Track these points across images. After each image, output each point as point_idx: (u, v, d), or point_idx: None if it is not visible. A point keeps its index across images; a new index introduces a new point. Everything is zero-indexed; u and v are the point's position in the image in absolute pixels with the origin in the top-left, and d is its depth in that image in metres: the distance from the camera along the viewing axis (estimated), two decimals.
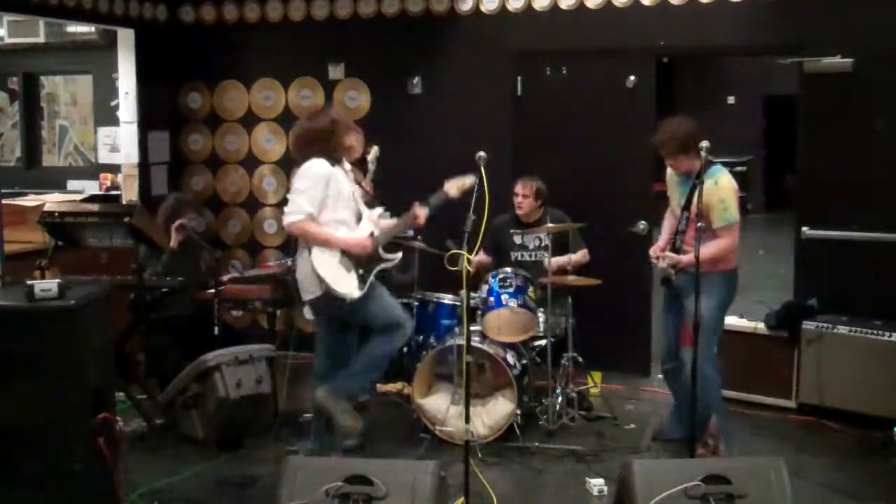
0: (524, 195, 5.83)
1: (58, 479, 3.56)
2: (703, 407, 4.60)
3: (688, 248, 4.66)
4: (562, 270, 5.62)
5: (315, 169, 4.51)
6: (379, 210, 4.79)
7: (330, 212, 4.52)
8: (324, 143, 4.58)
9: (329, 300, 4.52)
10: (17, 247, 6.27)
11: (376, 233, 4.69)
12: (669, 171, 5.04)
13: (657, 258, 4.94)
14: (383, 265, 4.67)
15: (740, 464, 3.74)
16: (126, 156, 7.12)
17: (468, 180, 4.61)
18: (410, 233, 6.01)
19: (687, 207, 4.73)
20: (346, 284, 4.49)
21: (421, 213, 4.76)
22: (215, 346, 5.18)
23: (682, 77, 14.09)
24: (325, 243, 4.50)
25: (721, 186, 4.70)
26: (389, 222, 4.83)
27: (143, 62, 7.00)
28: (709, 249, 4.61)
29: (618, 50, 6.36)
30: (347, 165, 4.82)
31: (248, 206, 7.35)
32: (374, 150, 5.56)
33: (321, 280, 4.45)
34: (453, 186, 4.79)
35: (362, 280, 4.54)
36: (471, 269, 4.15)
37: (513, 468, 4.90)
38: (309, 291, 4.58)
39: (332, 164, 4.56)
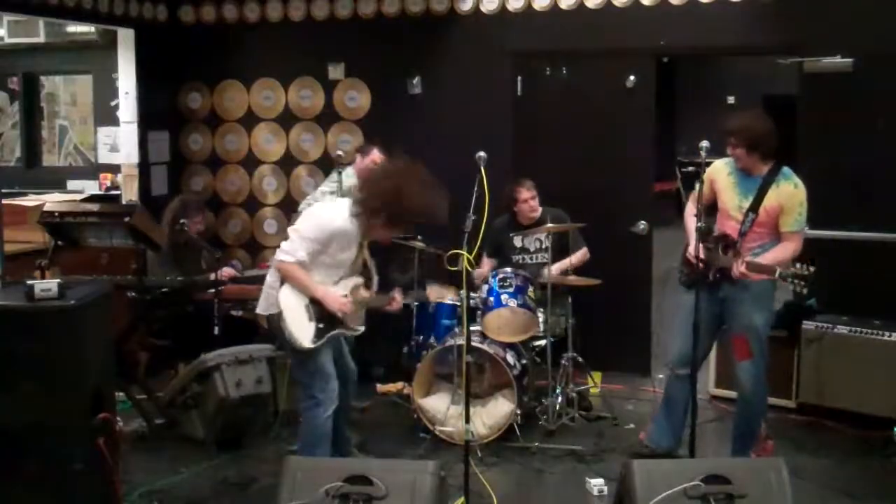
0: (532, 196, 5.80)
1: (58, 479, 3.56)
2: (758, 415, 4.80)
3: (748, 252, 4.50)
4: (563, 273, 5.62)
5: (334, 226, 4.29)
6: (359, 280, 4.55)
7: (327, 256, 4.34)
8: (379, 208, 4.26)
9: (277, 327, 4.34)
10: (17, 247, 6.26)
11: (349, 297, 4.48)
12: (720, 166, 4.78)
13: (699, 262, 4.56)
14: (344, 331, 4.49)
15: (740, 464, 3.75)
16: (126, 156, 7.12)
17: (448, 293, 4.84)
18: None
19: (754, 209, 4.54)
20: (302, 331, 4.29)
21: (399, 299, 4.63)
22: (215, 346, 5.18)
23: (682, 77, 14.07)
24: (303, 290, 4.31)
25: (801, 189, 4.56)
26: (365, 295, 4.57)
27: (143, 62, 7.00)
28: (781, 253, 4.49)
29: (618, 50, 6.36)
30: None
31: (248, 206, 7.35)
32: None
33: (280, 315, 4.28)
34: (434, 293, 4.88)
35: (319, 334, 4.34)
36: (471, 270, 4.14)
37: (513, 468, 4.91)
38: (264, 308, 4.41)
39: (355, 222, 4.33)
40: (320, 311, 4.35)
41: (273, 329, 4.42)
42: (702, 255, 4.57)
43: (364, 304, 4.55)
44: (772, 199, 4.52)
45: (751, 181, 4.63)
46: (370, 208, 4.27)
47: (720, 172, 4.78)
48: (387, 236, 4.52)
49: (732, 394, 5.65)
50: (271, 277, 4.41)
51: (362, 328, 4.56)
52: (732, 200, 4.67)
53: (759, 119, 4.65)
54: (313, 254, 4.29)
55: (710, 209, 4.77)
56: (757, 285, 4.57)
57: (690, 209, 4.83)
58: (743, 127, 4.59)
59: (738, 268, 4.38)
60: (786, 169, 4.60)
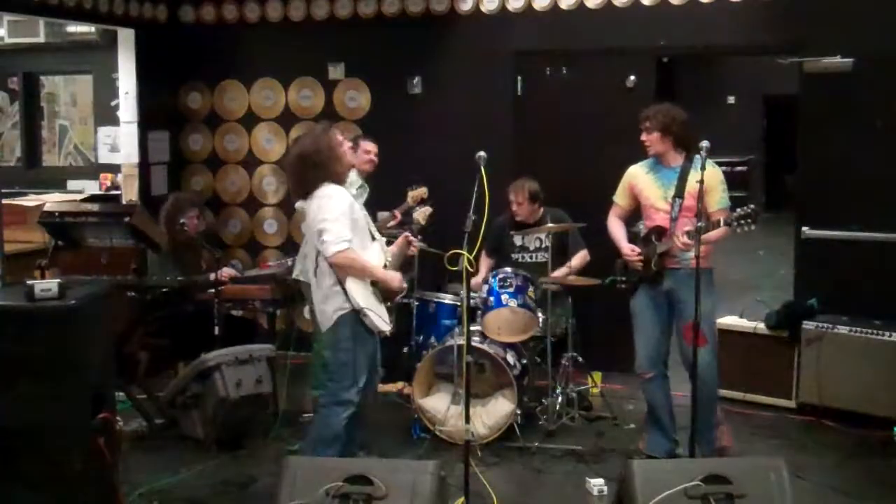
0: (518, 202, 5.79)
1: (58, 479, 3.56)
2: (714, 399, 4.82)
3: (684, 237, 4.55)
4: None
5: (342, 199, 4.26)
6: (384, 239, 4.57)
7: (357, 232, 4.30)
8: (328, 166, 4.30)
9: (353, 326, 4.27)
10: (17, 247, 6.27)
11: (388, 262, 4.49)
12: (635, 169, 4.95)
13: (639, 258, 4.81)
14: (398, 298, 4.54)
15: (740, 464, 3.74)
16: (126, 156, 7.12)
17: (428, 210, 5.08)
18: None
19: (680, 194, 4.68)
20: (384, 318, 4.33)
21: (413, 239, 4.63)
22: (215, 346, 5.18)
23: (682, 77, 14.08)
24: (367, 275, 4.27)
25: (718, 170, 4.74)
26: (394, 250, 4.57)
27: (143, 62, 7.00)
28: (713, 234, 4.57)
29: (618, 50, 6.37)
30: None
31: (248, 206, 7.35)
32: (422, 191, 5.62)
33: (363, 312, 4.24)
34: (420, 216, 4.93)
35: (389, 312, 4.43)
36: (472, 270, 4.14)
37: (513, 468, 4.91)
38: (328, 319, 4.32)
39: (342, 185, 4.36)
40: (380, 292, 4.35)
41: (338, 334, 4.30)
42: (639, 255, 4.80)
43: (395, 262, 4.56)
44: (693, 182, 4.63)
45: (669, 172, 4.78)
46: (336, 165, 4.33)
47: (637, 175, 4.95)
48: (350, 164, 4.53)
49: (732, 394, 5.67)
50: (319, 294, 4.32)
51: (405, 286, 4.56)
52: (657, 194, 4.82)
53: (672, 106, 4.87)
54: (350, 230, 4.23)
55: (635, 214, 5.02)
56: (702, 273, 4.55)
57: (613, 220, 5.06)
58: (656, 111, 4.80)
59: (680, 238, 4.50)
60: (699, 154, 4.64)
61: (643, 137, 4.83)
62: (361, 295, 4.25)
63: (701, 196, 4.48)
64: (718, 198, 4.70)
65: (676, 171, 4.75)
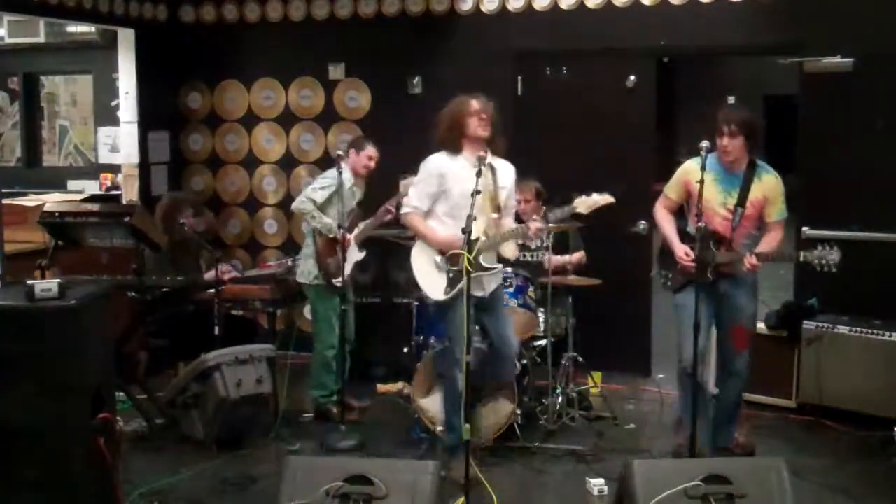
0: (525, 200, 5.79)
1: (58, 480, 3.56)
2: (740, 397, 4.92)
3: (739, 246, 4.62)
4: (562, 270, 5.61)
5: (431, 164, 4.69)
6: (494, 216, 4.63)
7: (444, 205, 4.65)
8: (445, 130, 4.69)
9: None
10: (17, 247, 6.27)
11: (483, 237, 4.50)
12: (692, 167, 4.66)
13: (692, 263, 4.57)
14: (480, 273, 4.48)
15: (740, 464, 3.75)
16: (126, 156, 7.12)
17: (603, 199, 4.49)
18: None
19: (742, 203, 4.62)
20: (432, 284, 4.63)
21: (533, 226, 4.59)
22: (215, 346, 5.18)
23: (682, 77, 14.07)
24: (425, 237, 4.67)
25: (780, 179, 4.73)
26: (509, 227, 4.70)
27: (143, 62, 7.00)
28: (774, 242, 4.64)
29: (618, 50, 6.36)
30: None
31: (248, 206, 7.35)
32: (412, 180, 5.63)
33: (411, 271, 4.69)
34: (584, 204, 4.51)
35: (451, 283, 4.55)
36: (471, 270, 4.14)
37: (513, 468, 4.90)
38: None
39: (453, 155, 4.66)
40: (451, 263, 4.56)
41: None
42: (694, 256, 4.58)
43: (504, 238, 4.67)
44: (756, 191, 4.62)
45: (732, 177, 4.69)
46: (444, 131, 4.69)
47: (694, 173, 4.66)
48: (481, 133, 4.68)
49: None
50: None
51: (500, 266, 4.74)
52: (717, 198, 4.68)
53: (750, 112, 4.84)
54: (429, 197, 4.65)
55: (679, 210, 4.91)
56: (751, 276, 4.69)
57: (664, 213, 4.91)
58: (746, 119, 4.68)
59: (750, 260, 4.47)
60: (760, 161, 4.70)
61: (725, 142, 4.57)
62: (418, 258, 4.69)
63: (701, 195, 4.47)
64: (778, 209, 4.68)
65: (738, 176, 4.65)
